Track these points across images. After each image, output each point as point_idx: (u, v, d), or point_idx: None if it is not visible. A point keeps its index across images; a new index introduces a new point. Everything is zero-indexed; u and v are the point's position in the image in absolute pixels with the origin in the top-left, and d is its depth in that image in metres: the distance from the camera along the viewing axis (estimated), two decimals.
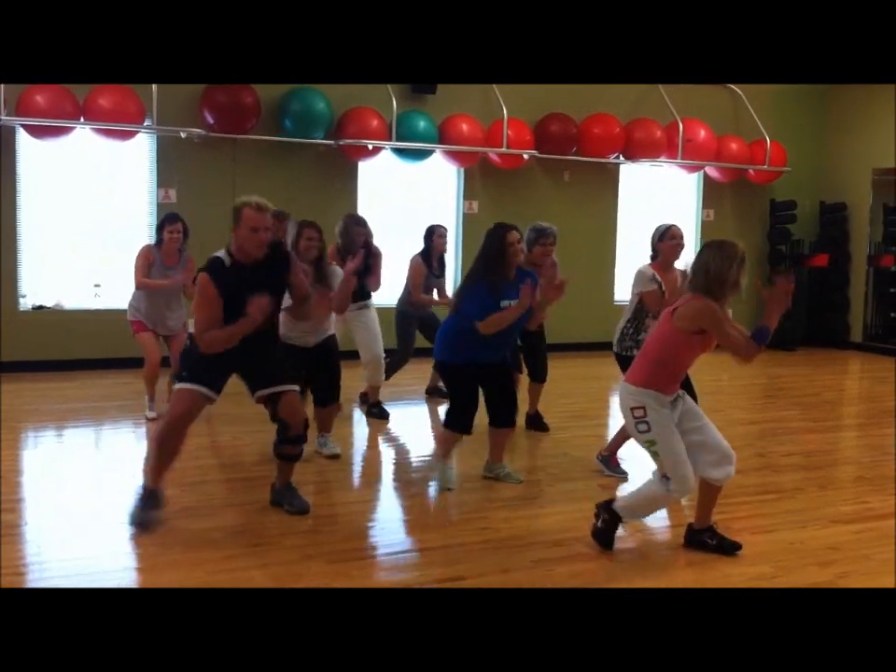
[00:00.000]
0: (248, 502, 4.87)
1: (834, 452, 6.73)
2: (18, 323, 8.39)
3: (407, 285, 7.25)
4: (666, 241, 5.46)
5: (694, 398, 5.20)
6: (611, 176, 10.73)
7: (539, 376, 6.52)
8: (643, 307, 5.46)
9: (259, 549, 4.23)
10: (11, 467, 5.48)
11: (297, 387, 4.64)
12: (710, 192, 11.37)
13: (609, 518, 4.32)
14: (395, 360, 7.36)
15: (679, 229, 5.55)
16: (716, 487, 4.31)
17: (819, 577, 4.11)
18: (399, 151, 9.36)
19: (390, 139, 9.18)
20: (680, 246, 5.48)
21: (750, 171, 11.04)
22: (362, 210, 9.50)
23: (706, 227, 11.42)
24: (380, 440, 6.63)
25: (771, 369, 10.23)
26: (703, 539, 4.38)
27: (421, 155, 9.46)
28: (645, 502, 4.29)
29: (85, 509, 4.77)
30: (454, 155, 9.60)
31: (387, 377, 7.26)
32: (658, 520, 4.86)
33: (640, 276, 5.47)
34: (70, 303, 8.61)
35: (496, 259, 5.07)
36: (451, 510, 5.08)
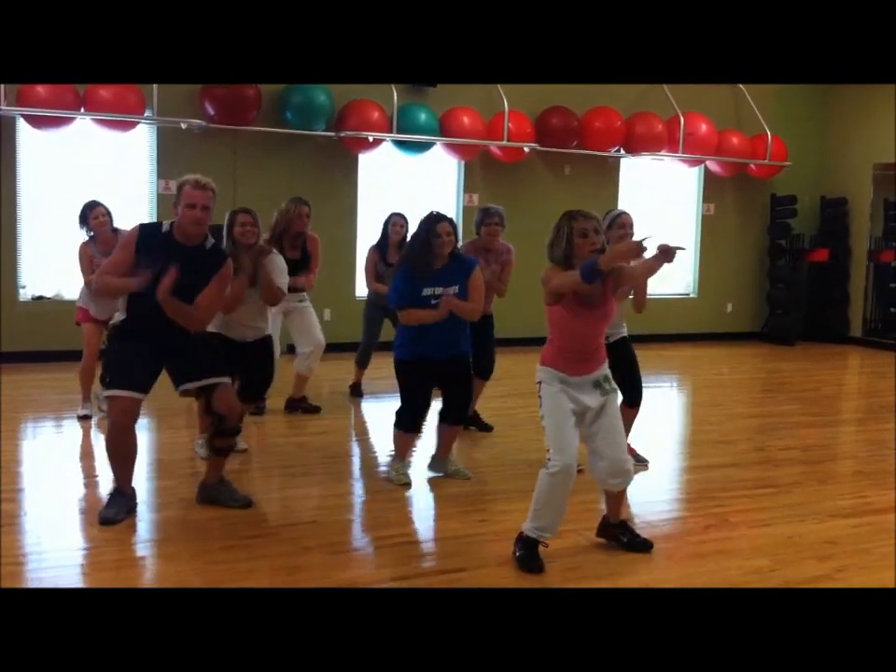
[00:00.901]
0: (250, 493, 4.87)
1: (833, 446, 6.73)
2: (17, 313, 8.40)
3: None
4: (615, 230, 5.09)
5: (638, 393, 5.41)
6: (612, 170, 10.72)
7: (482, 372, 6.14)
8: None
9: (257, 540, 4.23)
10: (11, 457, 5.49)
11: (228, 379, 4.55)
12: (711, 186, 11.37)
13: (521, 545, 4.07)
14: (360, 350, 7.41)
15: (630, 217, 5.18)
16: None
17: (817, 571, 4.11)
18: (399, 143, 9.35)
19: (391, 131, 9.17)
20: (629, 236, 5.03)
21: (751, 165, 11.04)
22: (362, 202, 9.50)
23: (706, 221, 11.42)
24: (372, 432, 6.63)
25: (771, 363, 10.24)
26: (615, 533, 4.34)
27: (421, 147, 9.45)
28: (538, 497, 4.04)
29: (83, 499, 4.78)
30: (454, 148, 9.59)
31: (360, 367, 7.42)
32: (658, 513, 4.87)
33: None
34: (70, 294, 8.60)
35: (420, 247, 5.00)
36: (449, 502, 5.08)
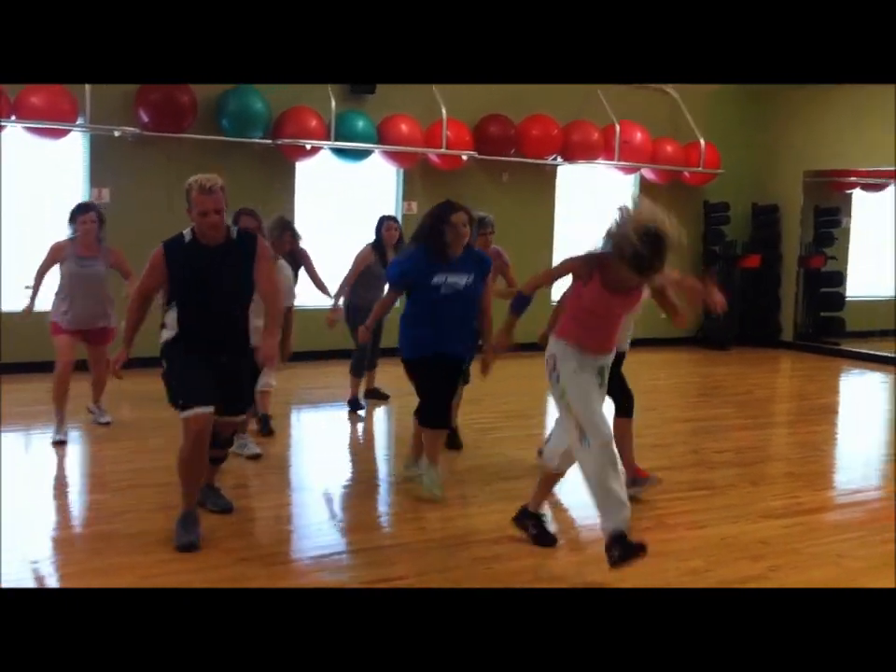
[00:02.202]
0: (180, 506, 4.80)
1: (766, 448, 6.87)
2: None
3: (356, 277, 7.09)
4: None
5: (629, 398, 5.26)
6: (549, 178, 10.83)
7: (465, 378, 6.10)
8: None
9: (192, 552, 4.18)
10: None
11: (241, 417, 4.59)
12: (646, 194, 11.48)
13: (617, 545, 3.87)
14: (354, 358, 7.17)
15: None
16: (555, 476, 4.33)
17: (751, 571, 4.20)
18: (337, 151, 9.33)
19: (329, 139, 9.14)
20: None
21: (685, 173, 11.23)
22: (300, 210, 9.45)
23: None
24: (316, 442, 6.60)
25: (705, 368, 10.42)
26: (526, 523, 4.39)
27: (360, 155, 9.44)
28: (591, 479, 3.90)
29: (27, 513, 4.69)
30: (393, 155, 9.59)
31: (357, 376, 7.17)
32: (597, 515, 4.91)
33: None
34: (5, 306, 8.41)
35: (435, 243, 4.82)
36: (388, 511, 5.08)
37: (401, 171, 10.00)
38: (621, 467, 3.96)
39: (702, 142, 11.06)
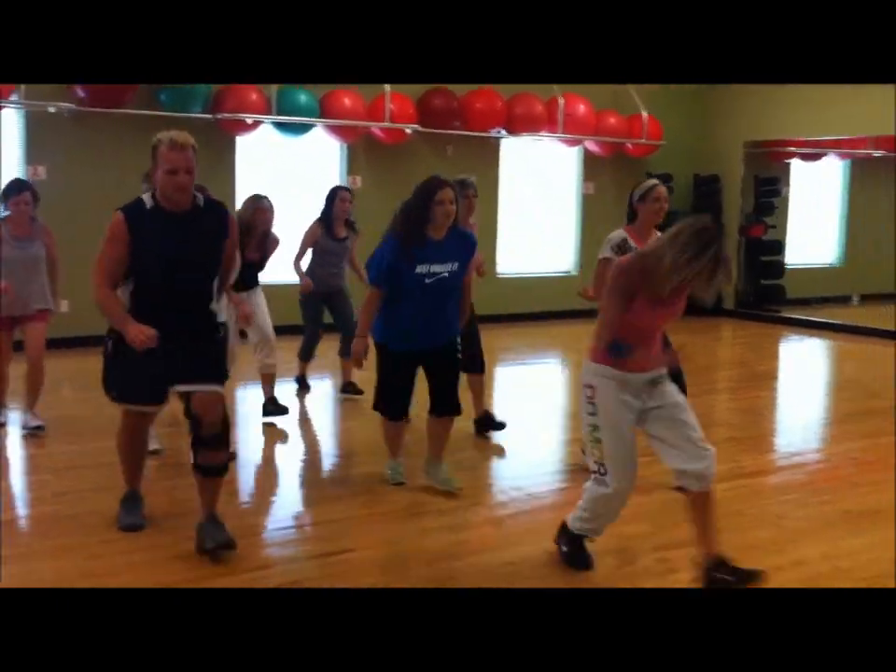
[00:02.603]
0: (122, 486, 4.75)
1: (709, 415, 6.97)
2: None
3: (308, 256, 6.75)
4: (648, 203, 4.67)
5: (684, 390, 4.62)
6: (494, 151, 10.83)
7: (475, 366, 5.73)
8: None
9: (135, 532, 4.13)
10: None
11: (220, 388, 3.87)
12: (590, 166, 11.59)
13: (568, 540, 3.88)
14: (305, 340, 6.85)
15: (665, 190, 4.79)
16: (698, 497, 3.63)
17: (694, 533, 4.27)
18: (279, 126, 9.22)
19: (270, 113, 9.03)
20: (664, 210, 4.72)
21: (628, 145, 11.30)
22: (240, 186, 9.33)
23: (586, 200, 11.65)
24: (266, 421, 6.57)
25: None
26: (719, 575, 3.52)
27: (302, 129, 9.34)
28: (588, 507, 3.75)
29: None
30: (336, 129, 9.51)
31: (304, 359, 6.90)
32: (543, 484, 4.96)
33: (606, 241, 4.77)
34: None
35: (415, 217, 4.40)
36: (337, 485, 5.08)
37: (345, 145, 9.93)
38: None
39: (644, 114, 11.13)
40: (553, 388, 8.05)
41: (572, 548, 3.86)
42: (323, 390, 7.26)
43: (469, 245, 4.59)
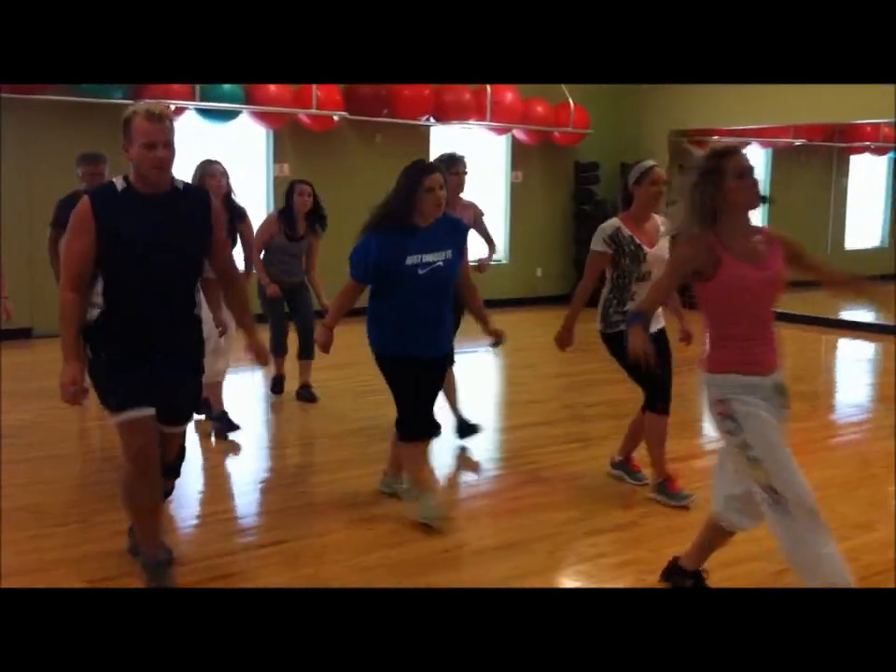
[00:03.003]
0: (53, 480, 4.66)
1: (637, 401, 7.02)
2: None
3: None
4: (645, 185, 4.46)
5: (669, 361, 4.69)
6: (423, 139, 10.81)
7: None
8: (623, 271, 4.50)
9: (64, 528, 4.06)
10: None
11: (186, 426, 3.58)
12: (518, 154, 11.65)
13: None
14: (273, 333, 6.31)
15: (663, 172, 4.58)
16: (727, 535, 3.41)
17: (624, 518, 4.36)
18: (203, 112, 9.07)
19: (194, 100, 8.87)
20: (661, 194, 4.52)
21: (556, 133, 11.39)
22: None
23: (515, 188, 11.72)
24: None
25: (579, 324, 10.62)
26: (684, 581, 3.50)
27: (227, 116, 9.21)
28: (784, 542, 3.07)
29: None
30: (262, 116, 9.40)
31: (278, 355, 6.39)
32: (489, 479, 4.99)
33: (598, 232, 4.51)
34: None
35: (401, 206, 4.00)
36: (268, 476, 5.04)
37: (271, 132, 9.82)
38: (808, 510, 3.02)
39: (571, 102, 11.22)
40: (484, 377, 8.09)
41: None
42: (258, 378, 7.19)
43: (460, 229, 4.20)
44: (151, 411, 3.28)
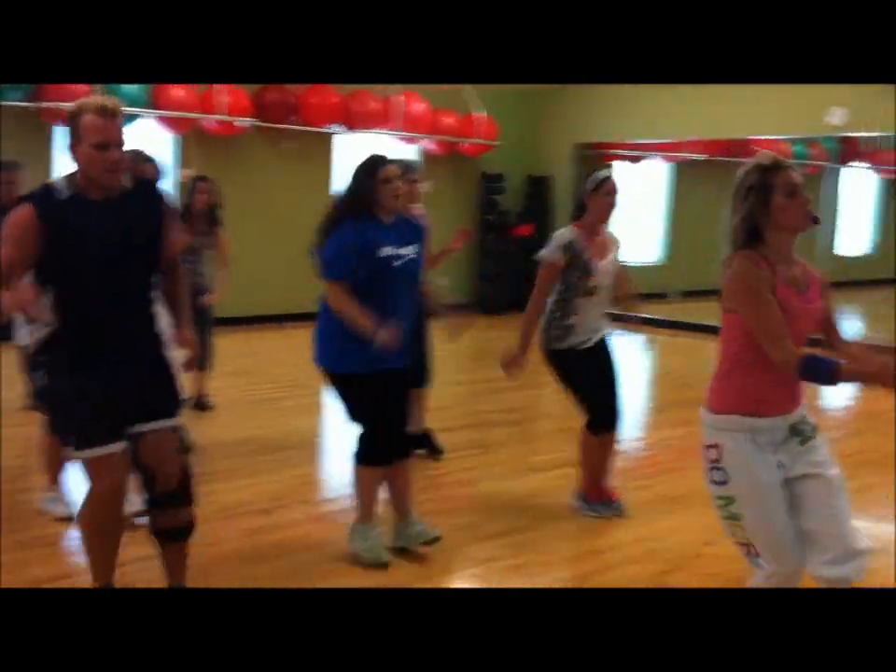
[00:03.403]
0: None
1: (536, 407, 7.20)
2: None
3: None
4: (601, 195, 4.32)
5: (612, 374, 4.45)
6: (330, 147, 10.80)
7: (424, 380, 5.21)
8: (570, 285, 4.33)
9: None
10: None
11: (177, 422, 3.14)
12: (427, 164, 11.70)
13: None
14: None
15: (616, 184, 4.40)
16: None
17: (518, 522, 4.42)
18: None
19: None
20: (614, 206, 4.36)
21: (464, 144, 11.49)
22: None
23: (424, 198, 11.74)
24: None
25: (481, 332, 10.75)
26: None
27: (129, 120, 9.03)
28: None
29: None
30: (166, 121, 9.26)
31: (201, 367, 6.04)
32: None
33: (552, 241, 4.34)
34: None
35: (361, 202, 3.76)
36: None
37: (177, 137, 9.68)
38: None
39: (479, 114, 11.35)
40: None
41: None
42: None
43: (420, 229, 3.99)
44: (121, 445, 2.97)
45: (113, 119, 2.90)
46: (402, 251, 3.77)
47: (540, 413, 7.06)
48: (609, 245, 4.42)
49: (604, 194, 4.31)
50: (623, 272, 4.60)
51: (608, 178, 4.35)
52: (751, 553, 2.71)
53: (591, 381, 4.43)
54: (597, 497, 4.54)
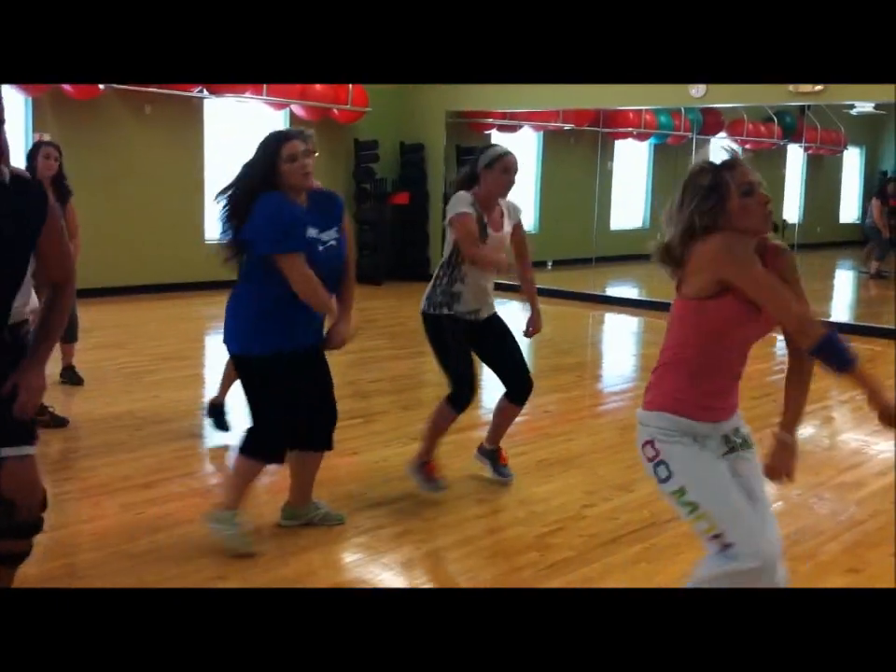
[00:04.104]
0: None
1: (418, 376, 7.21)
2: None
3: None
4: (496, 173, 4.13)
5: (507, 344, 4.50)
6: (196, 111, 10.48)
7: None
8: (460, 249, 4.16)
9: None
10: None
11: (33, 450, 2.76)
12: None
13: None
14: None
15: (516, 161, 4.20)
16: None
17: (402, 489, 4.42)
18: None
19: None
20: (511, 183, 4.21)
21: (334, 110, 11.33)
22: None
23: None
24: None
25: (361, 302, 10.59)
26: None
27: None
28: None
29: None
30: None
31: (68, 339, 5.80)
32: None
33: (456, 200, 4.13)
34: None
35: (267, 187, 3.43)
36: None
37: (30, 99, 9.19)
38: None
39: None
40: None
41: None
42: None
43: (337, 206, 3.67)
44: None
45: None
46: (324, 236, 3.51)
47: (423, 381, 7.06)
48: (502, 217, 4.28)
49: (500, 171, 4.11)
50: (523, 237, 4.52)
51: (504, 155, 4.13)
52: (724, 543, 2.48)
53: (462, 355, 4.30)
54: (431, 472, 4.42)
